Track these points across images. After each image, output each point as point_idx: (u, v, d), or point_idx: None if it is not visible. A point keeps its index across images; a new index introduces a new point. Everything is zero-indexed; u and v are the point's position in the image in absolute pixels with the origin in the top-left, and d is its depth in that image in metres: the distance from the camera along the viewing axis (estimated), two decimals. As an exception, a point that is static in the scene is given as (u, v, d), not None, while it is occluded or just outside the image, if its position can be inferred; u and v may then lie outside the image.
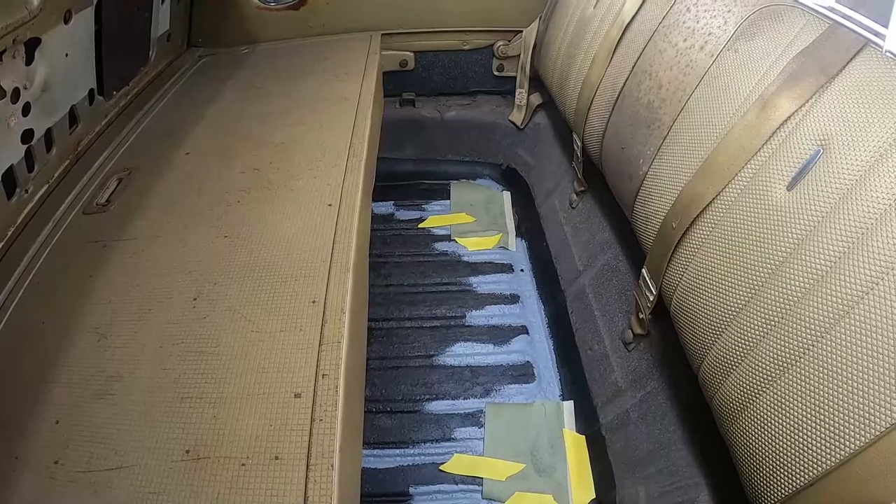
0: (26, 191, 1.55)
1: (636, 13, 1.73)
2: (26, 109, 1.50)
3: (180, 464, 0.93)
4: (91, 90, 1.85)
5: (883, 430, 0.77)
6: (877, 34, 1.01)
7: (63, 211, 1.56)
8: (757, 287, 1.05)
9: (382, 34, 2.63)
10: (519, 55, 2.70)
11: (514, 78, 2.76)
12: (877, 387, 0.80)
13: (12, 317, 1.25)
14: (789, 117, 1.10)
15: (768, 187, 1.08)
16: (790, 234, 1.01)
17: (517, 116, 2.75)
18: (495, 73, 2.80)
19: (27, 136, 1.52)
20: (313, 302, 1.18)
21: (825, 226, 0.94)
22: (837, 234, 0.92)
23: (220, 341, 1.12)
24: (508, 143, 2.79)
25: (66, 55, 1.67)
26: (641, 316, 1.55)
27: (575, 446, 1.68)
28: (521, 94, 2.73)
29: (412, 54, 2.75)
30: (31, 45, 1.49)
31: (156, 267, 1.33)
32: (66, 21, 1.62)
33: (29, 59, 1.50)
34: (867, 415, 0.80)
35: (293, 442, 0.93)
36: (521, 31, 2.66)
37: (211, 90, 2.17)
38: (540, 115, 2.73)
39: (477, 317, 2.08)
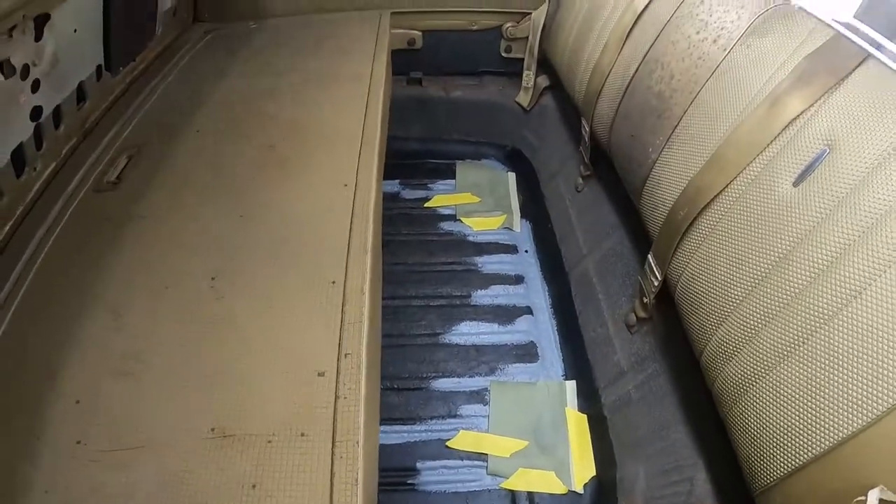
0: (35, 168, 1.54)
1: (650, 1, 1.75)
2: (35, 86, 1.49)
3: (206, 441, 0.96)
4: (99, 66, 1.84)
5: (869, 420, 0.83)
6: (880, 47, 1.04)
7: (73, 188, 1.56)
8: (760, 278, 1.09)
9: (392, 12, 2.62)
10: (527, 37, 2.70)
11: (522, 59, 2.76)
12: (865, 379, 0.85)
13: (26, 295, 1.25)
14: (798, 116, 1.13)
15: (775, 183, 1.12)
16: (794, 229, 1.05)
17: (524, 98, 2.77)
18: (503, 54, 2.80)
19: (36, 113, 1.51)
20: (333, 282, 1.21)
21: (828, 223, 0.98)
22: (839, 231, 0.96)
23: (242, 320, 1.15)
24: (514, 124, 2.81)
25: (75, 30, 1.65)
26: (645, 300, 1.59)
27: (577, 425, 1.73)
28: (528, 76, 2.74)
29: (420, 33, 2.74)
30: (40, 21, 1.48)
31: (171, 245, 1.35)
32: None
33: (38, 35, 1.48)
34: (856, 405, 0.85)
35: (318, 419, 0.97)
36: (531, 13, 2.66)
37: (219, 66, 2.16)
38: (546, 98, 2.74)
39: (482, 296, 2.12)
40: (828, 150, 1.04)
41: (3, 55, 1.33)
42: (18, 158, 1.48)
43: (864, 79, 1.06)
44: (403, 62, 2.78)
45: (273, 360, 1.07)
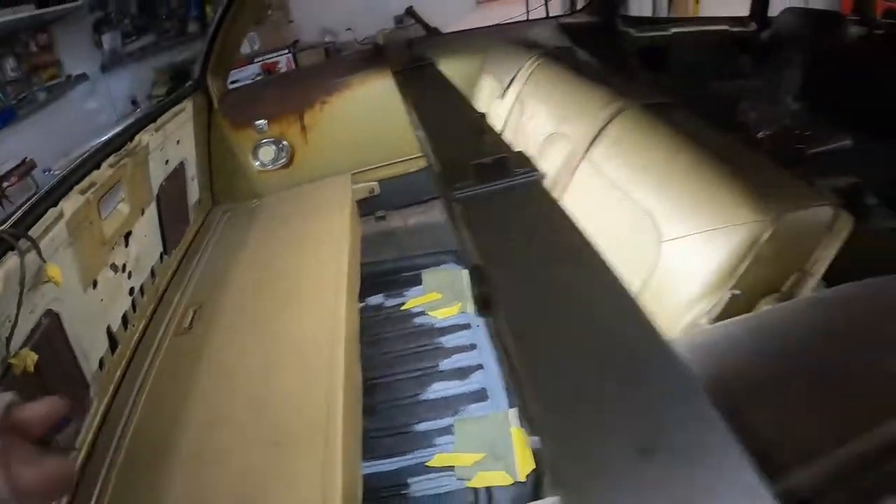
0: (133, 325, 2.40)
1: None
2: (129, 275, 2.40)
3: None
4: (160, 252, 2.76)
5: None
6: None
7: (160, 336, 2.42)
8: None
9: (353, 174, 3.57)
10: (461, 167, 3.58)
11: (460, 183, 3.62)
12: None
13: (142, 420, 2.02)
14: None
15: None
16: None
17: (464, 214, 3.60)
18: (443, 181, 3.67)
19: (131, 291, 2.41)
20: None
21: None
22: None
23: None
24: (460, 234, 3.62)
25: (145, 235, 2.58)
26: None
27: (519, 438, 2.45)
28: (465, 196, 3.59)
29: (377, 183, 3.66)
30: (126, 235, 2.43)
31: (237, 370, 2.16)
32: (143, 214, 2.57)
33: (126, 244, 2.42)
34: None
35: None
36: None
37: (239, 240, 3.07)
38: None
39: (447, 364, 2.87)
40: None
41: (111, 261, 2.26)
42: (124, 321, 2.36)
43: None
44: (368, 205, 3.68)
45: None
